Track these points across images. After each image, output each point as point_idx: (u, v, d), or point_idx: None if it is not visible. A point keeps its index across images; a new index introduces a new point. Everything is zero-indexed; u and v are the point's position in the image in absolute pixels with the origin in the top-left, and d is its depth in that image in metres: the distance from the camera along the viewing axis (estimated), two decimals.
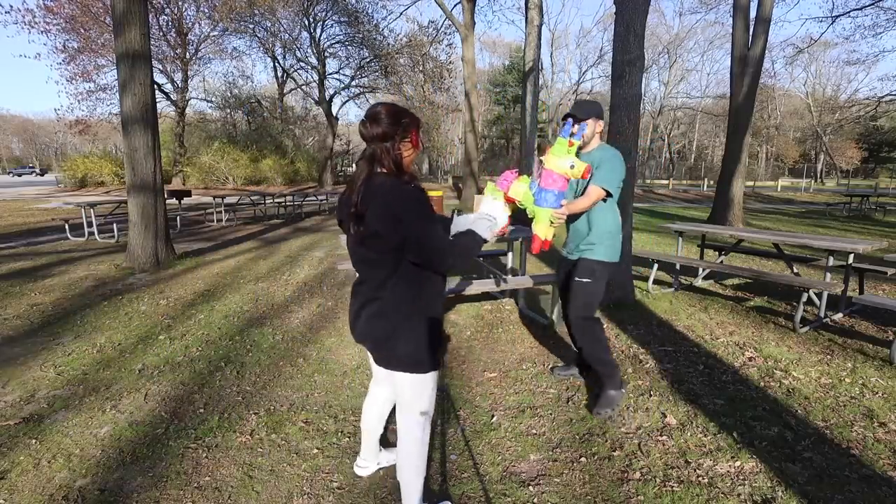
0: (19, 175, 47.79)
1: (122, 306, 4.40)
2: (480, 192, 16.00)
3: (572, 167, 1.88)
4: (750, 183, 28.45)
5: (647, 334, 3.80)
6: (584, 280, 2.54)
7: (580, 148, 2.44)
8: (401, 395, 1.67)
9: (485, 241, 1.60)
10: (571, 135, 1.95)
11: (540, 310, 4.50)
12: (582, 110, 2.50)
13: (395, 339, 1.56)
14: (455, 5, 16.27)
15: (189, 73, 20.99)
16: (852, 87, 45.25)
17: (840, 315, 4.26)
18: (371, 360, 1.78)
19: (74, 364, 3.15)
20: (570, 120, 2.34)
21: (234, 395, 2.76)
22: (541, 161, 1.98)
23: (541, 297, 4.91)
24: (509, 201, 1.82)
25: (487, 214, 1.66)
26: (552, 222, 1.91)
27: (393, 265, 1.52)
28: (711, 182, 25.21)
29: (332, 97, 24.15)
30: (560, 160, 1.87)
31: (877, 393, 2.80)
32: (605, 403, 2.57)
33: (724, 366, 3.20)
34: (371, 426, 1.98)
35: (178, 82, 20.89)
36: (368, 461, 2.07)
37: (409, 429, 1.68)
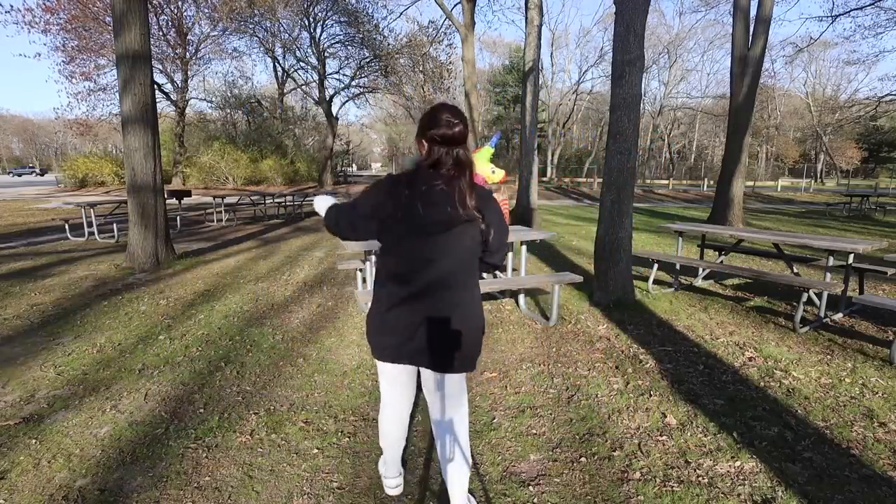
0: (19, 175, 47.78)
1: (122, 306, 4.40)
2: None
3: (493, 172, 2.14)
4: (750, 183, 28.45)
5: (647, 334, 3.80)
6: None
7: None
8: (453, 392, 1.68)
9: None
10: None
11: (540, 310, 4.50)
12: None
13: (479, 339, 1.60)
14: (455, 5, 16.28)
15: (189, 73, 20.99)
16: (852, 87, 45.26)
17: (840, 315, 4.26)
18: (400, 374, 1.70)
19: (74, 364, 3.15)
20: (499, 132, 2.47)
21: (234, 395, 2.76)
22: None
23: (541, 297, 4.91)
24: None
25: None
26: None
27: (474, 264, 1.56)
28: (711, 182, 25.20)
29: (332, 97, 24.17)
30: (486, 166, 2.08)
31: (877, 393, 2.80)
32: None
33: (724, 366, 3.20)
34: (400, 440, 1.89)
35: (178, 82, 20.91)
36: (399, 477, 1.97)
37: (464, 417, 1.73)
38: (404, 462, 2.11)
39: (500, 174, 2.07)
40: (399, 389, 1.78)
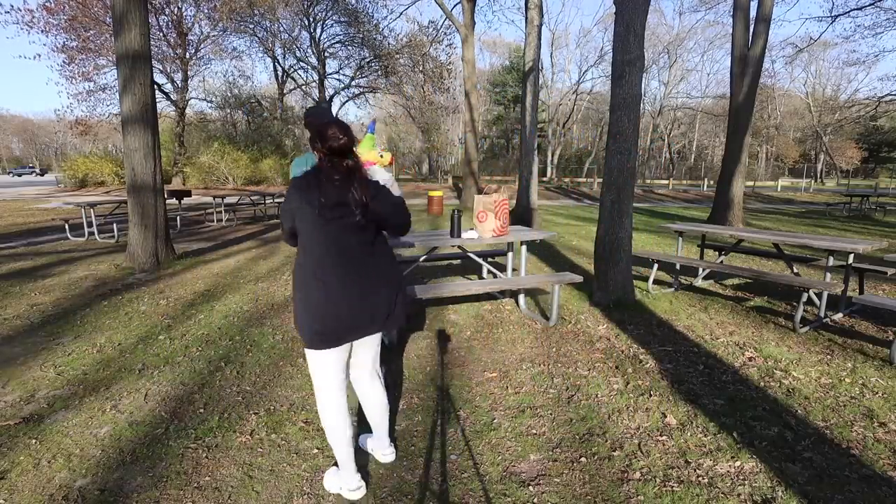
0: (19, 175, 47.75)
1: (122, 306, 4.40)
2: (480, 191, 15.99)
3: (381, 156, 2.36)
4: (750, 183, 28.45)
5: (647, 334, 3.80)
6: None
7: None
8: (374, 353, 2.01)
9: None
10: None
11: (540, 310, 4.50)
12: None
13: (395, 299, 1.87)
14: (455, 5, 16.28)
15: (189, 73, 20.99)
16: (852, 87, 45.22)
17: (840, 315, 4.26)
18: (338, 360, 1.84)
19: (74, 364, 3.15)
20: (374, 121, 2.83)
21: (234, 395, 2.76)
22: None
23: (541, 297, 4.91)
24: None
25: (389, 178, 2.14)
26: None
27: (375, 240, 1.85)
28: (711, 182, 25.21)
29: (332, 97, 24.16)
30: (372, 152, 2.34)
31: (877, 393, 2.80)
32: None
33: (724, 366, 3.20)
34: (351, 428, 1.90)
35: (178, 82, 20.90)
36: (359, 475, 1.95)
37: (381, 375, 2.09)
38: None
39: (387, 156, 2.41)
40: (342, 370, 1.89)
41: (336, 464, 2.01)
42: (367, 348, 1.98)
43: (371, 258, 1.82)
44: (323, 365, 1.83)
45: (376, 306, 1.82)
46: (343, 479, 1.93)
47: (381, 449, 2.15)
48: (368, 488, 1.99)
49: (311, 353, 1.83)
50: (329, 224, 1.72)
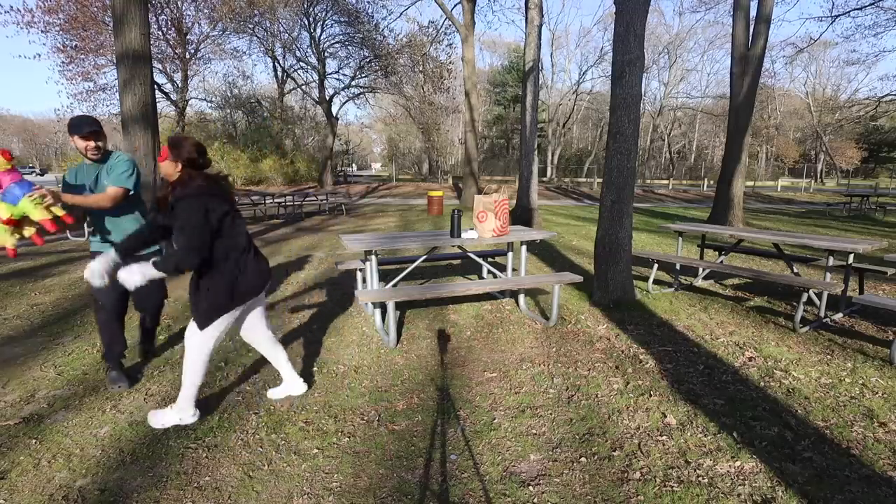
0: None
1: None
2: (480, 191, 16.00)
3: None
4: (750, 183, 28.45)
5: (647, 334, 3.80)
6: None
7: (97, 160, 2.72)
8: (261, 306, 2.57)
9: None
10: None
11: (540, 310, 4.50)
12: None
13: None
14: (455, 5, 16.28)
15: (189, 72, 20.97)
16: (852, 87, 45.12)
17: (840, 315, 4.26)
18: (235, 317, 2.35)
19: (74, 364, 3.15)
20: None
21: (234, 395, 2.76)
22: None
23: (540, 297, 4.90)
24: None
25: None
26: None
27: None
28: (711, 182, 25.20)
29: (332, 97, 24.13)
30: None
31: (877, 393, 2.80)
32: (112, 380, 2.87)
33: (724, 366, 3.20)
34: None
35: (178, 82, 20.88)
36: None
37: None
38: None
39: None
40: (235, 321, 2.42)
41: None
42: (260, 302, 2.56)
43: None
44: (222, 326, 2.31)
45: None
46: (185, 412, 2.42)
47: (295, 381, 2.71)
48: (369, 488, 1.99)
49: (222, 318, 2.27)
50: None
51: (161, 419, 2.41)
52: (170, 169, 2.19)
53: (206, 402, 2.68)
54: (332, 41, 22.93)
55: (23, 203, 2.19)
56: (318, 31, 22.56)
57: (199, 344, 2.31)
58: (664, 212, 15.43)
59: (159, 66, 19.43)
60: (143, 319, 3.15)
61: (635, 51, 4.19)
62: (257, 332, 2.56)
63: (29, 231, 2.28)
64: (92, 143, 2.62)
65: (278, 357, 2.66)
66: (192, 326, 2.32)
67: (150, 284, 2.67)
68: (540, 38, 10.48)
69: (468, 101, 15.32)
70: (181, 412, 2.41)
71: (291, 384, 2.72)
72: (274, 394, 2.73)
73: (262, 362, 3.22)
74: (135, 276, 2.12)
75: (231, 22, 19.37)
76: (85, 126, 2.61)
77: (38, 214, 2.22)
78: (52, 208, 2.27)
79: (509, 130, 37.25)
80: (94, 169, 2.74)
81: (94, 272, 2.20)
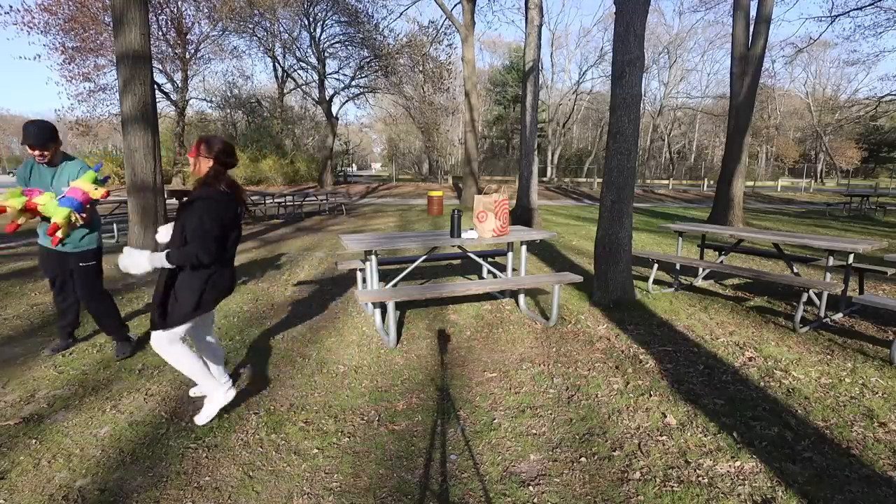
0: None
1: (122, 306, 4.39)
2: (480, 191, 16.00)
3: (96, 189, 2.78)
4: (750, 183, 28.45)
5: (647, 334, 3.80)
6: (92, 263, 3.24)
7: (51, 163, 3.01)
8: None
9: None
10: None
11: (540, 310, 4.50)
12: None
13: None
14: (455, 5, 16.28)
15: (189, 72, 20.96)
16: (852, 87, 45.11)
17: (840, 315, 4.25)
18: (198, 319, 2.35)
19: (74, 364, 3.15)
20: (100, 162, 3.25)
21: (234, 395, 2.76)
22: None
23: (540, 297, 4.90)
24: (31, 206, 2.58)
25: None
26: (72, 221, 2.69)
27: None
28: (711, 182, 25.19)
29: (332, 97, 24.13)
30: (89, 184, 2.77)
31: (877, 393, 2.80)
32: (120, 349, 3.30)
33: (724, 366, 3.20)
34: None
35: (178, 82, 20.87)
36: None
37: None
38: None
39: (101, 191, 2.82)
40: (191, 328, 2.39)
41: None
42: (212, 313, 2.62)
43: None
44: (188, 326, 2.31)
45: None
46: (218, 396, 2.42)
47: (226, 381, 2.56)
48: (369, 488, 1.99)
49: (188, 322, 2.27)
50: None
51: (205, 416, 2.42)
52: (203, 166, 2.26)
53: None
54: (332, 41, 22.93)
55: (62, 211, 2.61)
56: (318, 31, 22.56)
57: (169, 348, 2.27)
58: (664, 212, 15.43)
59: (159, 66, 19.42)
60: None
61: (635, 51, 4.19)
62: (202, 332, 2.57)
63: (24, 220, 2.62)
64: (37, 153, 2.87)
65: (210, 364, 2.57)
66: (155, 336, 2.27)
67: (79, 274, 3.17)
68: (540, 38, 10.48)
69: (468, 101, 15.32)
70: (216, 399, 2.43)
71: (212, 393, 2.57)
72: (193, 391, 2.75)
73: (262, 362, 3.22)
74: (132, 259, 2.22)
75: (231, 22, 19.36)
76: (27, 138, 2.84)
77: (61, 222, 2.61)
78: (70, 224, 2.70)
79: (509, 130, 37.24)
80: (48, 172, 2.99)
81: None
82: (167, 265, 2.21)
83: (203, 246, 2.14)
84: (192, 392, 2.75)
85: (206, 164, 2.26)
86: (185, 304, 2.26)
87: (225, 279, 2.38)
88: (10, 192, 2.56)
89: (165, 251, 2.20)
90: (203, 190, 2.22)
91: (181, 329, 2.29)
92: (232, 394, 2.48)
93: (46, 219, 2.67)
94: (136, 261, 2.21)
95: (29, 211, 2.60)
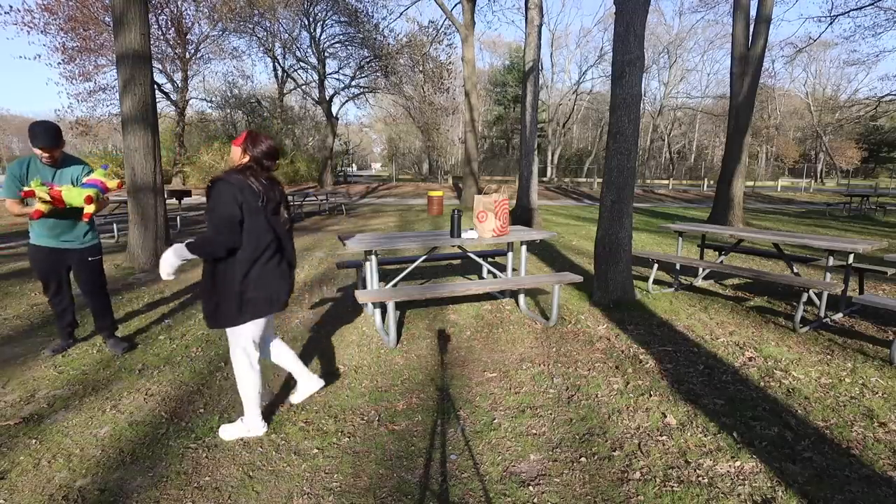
0: None
1: (122, 306, 4.39)
2: (480, 191, 16.00)
3: (113, 179, 3.00)
4: (750, 183, 28.44)
5: (647, 334, 3.80)
6: (98, 257, 3.32)
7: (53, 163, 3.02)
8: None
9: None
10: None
11: (540, 310, 4.49)
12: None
13: None
14: (455, 5, 16.28)
15: (189, 72, 20.96)
16: (852, 87, 45.09)
17: (840, 315, 4.25)
18: (263, 325, 2.29)
19: (74, 364, 3.15)
20: (106, 164, 3.27)
21: (234, 395, 2.76)
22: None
23: (540, 297, 4.90)
24: (56, 195, 2.76)
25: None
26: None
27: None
28: (711, 182, 25.19)
29: (332, 97, 24.13)
30: (109, 181, 2.98)
31: (877, 393, 2.80)
32: (117, 346, 3.37)
33: (724, 366, 3.20)
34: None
35: (178, 82, 20.87)
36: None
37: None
38: None
39: (115, 182, 2.98)
40: (258, 337, 2.31)
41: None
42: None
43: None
44: (257, 329, 2.25)
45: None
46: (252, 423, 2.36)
47: (311, 380, 2.57)
48: (369, 488, 1.99)
49: (238, 324, 2.18)
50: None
51: (230, 433, 2.35)
52: (236, 156, 2.21)
53: (206, 403, 2.68)
54: (332, 41, 22.93)
55: (88, 190, 2.83)
56: (318, 31, 22.56)
57: (233, 351, 2.25)
58: (664, 212, 15.43)
59: (159, 66, 19.42)
60: (91, 306, 3.38)
61: (635, 51, 4.19)
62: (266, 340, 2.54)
63: (47, 208, 2.77)
64: (47, 154, 2.89)
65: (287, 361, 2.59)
66: (229, 339, 2.27)
67: (86, 269, 3.24)
68: (540, 38, 10.48)
69: (468, 101, 15.32)
70: (248, 424, 2.35)
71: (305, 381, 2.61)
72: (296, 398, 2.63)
73: (262, 362, 3.22)
74: (163, 259, 2.15)
75: (231, 22, 19.36)
76: (36, 139, 2.84)
77: (93, 194, 2.86)
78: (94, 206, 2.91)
79: (509, 130, 37.23)
80: (49, 171, 2.99)
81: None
82: (188, 255, 2.11)
83: (215, 229, 2.03)
84: (293, 399, 2.63)
85: (242, 157, 2.19)
86: (227, 302, 2.14)
87: (272, 276, 2.22)
88: (33, 182, 2.72)
89: (187, 240, 2.11)
90: (224, 174, 2.12)
91: (246, 332, 2.21)
92: (263, 431, 2.38)
93: (60, 210, 2.83)
94: (165, 257, 2.13)
95: (52, 198, 2.73)
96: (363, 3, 20.76)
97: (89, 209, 2.89)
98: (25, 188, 2.78)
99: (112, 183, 2.92)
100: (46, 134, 2.84)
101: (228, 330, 2.22)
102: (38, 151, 2.86)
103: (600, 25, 46.63)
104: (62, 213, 2.93)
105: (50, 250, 3.08)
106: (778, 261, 6.15)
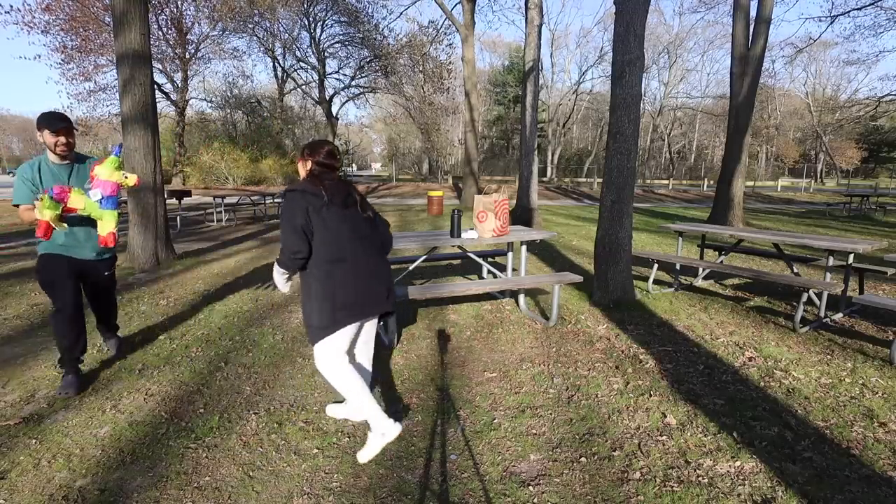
0: None
1: (122, 306, 4.39)
2: (480, 192, 15.99)
3: (126, 177, 2.62)
4: (750, 183, 28.46)
5: (647, 334, 3.80)
6: (113, 271, 3.08)
7: (65, 158, 2.71)
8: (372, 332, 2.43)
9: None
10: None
11: (540, 310, 4.50)
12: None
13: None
14: (455, 5, 16.29)
15: (189, 72, 20.98)
16: (852, 87, 45.11)
17: (840, 315, 4.26)
18: (352, 334, 2.18)
19: None
20: (121, 144, 3.00)
21: (234, 395, 2.76)
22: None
23: (540, 297, 4.90)
24: (70, 211, 2.49)
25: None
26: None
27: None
28: (711, 182, 25.19)
29: (332, 97, 24.16)
30: (116, 173, 2.58)
31: (877, 393, 2.80)
32: (116, 345, 3.28)
33: (724, 366, 3.20)
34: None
35: (178, 82, 20.90)
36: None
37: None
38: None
39: (133, 177, 2.66)
40: (347, 348, 2.23)
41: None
42: (372, 326, 2.42)
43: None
44: (340, 342, 2.14)
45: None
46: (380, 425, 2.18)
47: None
48: (369, 488, 1.99)
49: (325, 336, 2.11)
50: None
51: (370, 451, 2.18)
52: (302, 170, 2.24)
53: (206, 403, 2.68)
54: (332, 41, 22.96)
55: (111, 213, 2.59)
56: (318, 31, 22.58)
57: (325, 365, 2.16)
58: (664, 212, 15.43)
59: (159, 66, 19.44)
60: (98, 321, 3.19)
61: (635, 51, 4.19)
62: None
63: (60, 227, 2.51)
64: (63, 139, 2.57)
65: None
66: (314, 350, 2.19)
67: (101, 282, 2.98)
68: (540, 38, 10.48)
69: (468, 101, 15.32)
70: (379, 430, 2.18)
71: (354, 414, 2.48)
72: (332, 410, 2.56)
73: (262, 362, 3.22)
74: (275, 278, 2.25)
75: (231, 22, 19.37)
76: (57, 121, 2.57)
77: (114, 226, 2.62)
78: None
79: (509, 130, 37.25)
80: (64, 169, 2.68)
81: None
82: (280, 269, 2.17)
83: (282, 236, 2.06)
84: (330, 411, 2.55)
85: (306, 167, 2.21)
86: (313, 314, 2.11)
87: (350, 283, 2.12)
88: (41, 204, 2.35)
89: (276, 258, 2.16)
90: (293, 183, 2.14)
91: (332, 343, 2.13)
92: (398, 430, 2.19)
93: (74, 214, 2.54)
94: (273, 275, 2.23)
95: (66, 210, 2.50)
96: (363, 3, 20.78)
97: (106, 234, 2.61)
98: (36, 200, 2.40)
99: (129, 180, 2.62)
100: (62, 117, 2.60)
101: (315, 348, 2.16)
102: (52, 140, 2.55)
103: (600, 25, 46.67)
104: (77, 220, 2.64)
105: (78, 261, 2.76)
106: (778, 261, 6.15)
